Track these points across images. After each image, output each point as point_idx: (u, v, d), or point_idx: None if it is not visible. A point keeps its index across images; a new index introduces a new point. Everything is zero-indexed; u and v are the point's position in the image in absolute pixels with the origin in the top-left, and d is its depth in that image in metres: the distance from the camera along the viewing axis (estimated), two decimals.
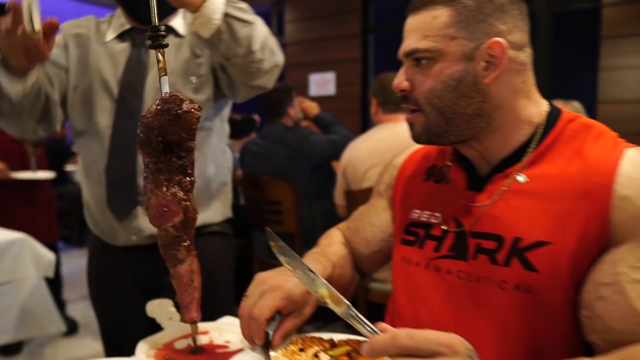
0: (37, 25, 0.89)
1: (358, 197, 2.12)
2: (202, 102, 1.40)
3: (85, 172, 1.46)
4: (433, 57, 0.85)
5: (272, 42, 1.30)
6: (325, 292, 0.64)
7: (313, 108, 3.30)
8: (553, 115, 0.89)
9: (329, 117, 3.26)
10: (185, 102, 0.75)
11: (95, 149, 1.41)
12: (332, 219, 2.83)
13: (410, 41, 0.87)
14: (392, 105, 2.53)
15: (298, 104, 3.26)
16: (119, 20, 1.46)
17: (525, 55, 0.87)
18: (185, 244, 0.84)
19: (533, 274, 0.80)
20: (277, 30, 5.63)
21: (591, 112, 3.73)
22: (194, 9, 1.03)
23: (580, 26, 4.69)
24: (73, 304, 3.75)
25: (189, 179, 0.81)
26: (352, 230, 1.15)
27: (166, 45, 0.83)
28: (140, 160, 1.15)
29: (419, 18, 0.86)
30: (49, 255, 2.27)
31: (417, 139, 0.92)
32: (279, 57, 1.34)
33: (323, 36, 5.06)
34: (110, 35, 1.44)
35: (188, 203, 0.81)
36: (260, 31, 1.21)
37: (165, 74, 0.80)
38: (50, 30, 0.94)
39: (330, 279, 1.00)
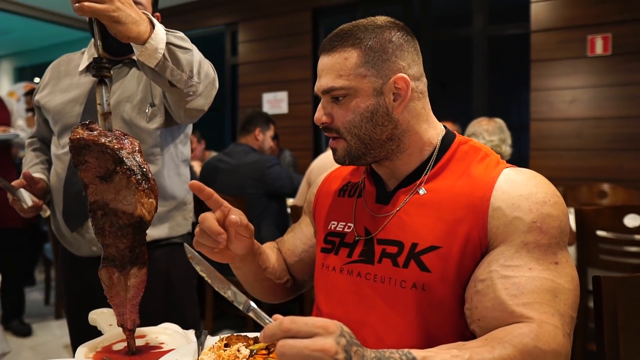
0: (29, 203, 1.49)
1: (299, 211, 2.24)
2: (152, 130, 1.50)
3: (53, 189, 1.58)
4: (349, 93, 0.96)
5: (207, 66, 1.36)
6: (231, 291, 0.74)
7: None
8: (448, 138, 1.04)
9: None
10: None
11: (59, 170, 1.52)
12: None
13: (327, 80, 0.98)
14: None
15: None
16: (90, 51, 1.59)
17: (423, 85, 1.02)
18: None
19: (427, 274, 0.92)
20: (231, 50, 5.73)
21: (527, 129, 3.99)
22: (142, 42, 1.07)
23: (514, 49, 4.98)
24: None
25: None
26: (281, 242, 1.28)
27: (108, 77, 0.92)
28: None
29: (332, 59, 0.98)
30: None
31: (340, 161, 1.04)
32: (213, 79, 1.40)
33: (275, 57, 5.20)
34: (83, 66, 1.57)
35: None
36: (196, 57, 1.27)
37: (101, 104, 0.89)
38: (36, 208, 1.53)
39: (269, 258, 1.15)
